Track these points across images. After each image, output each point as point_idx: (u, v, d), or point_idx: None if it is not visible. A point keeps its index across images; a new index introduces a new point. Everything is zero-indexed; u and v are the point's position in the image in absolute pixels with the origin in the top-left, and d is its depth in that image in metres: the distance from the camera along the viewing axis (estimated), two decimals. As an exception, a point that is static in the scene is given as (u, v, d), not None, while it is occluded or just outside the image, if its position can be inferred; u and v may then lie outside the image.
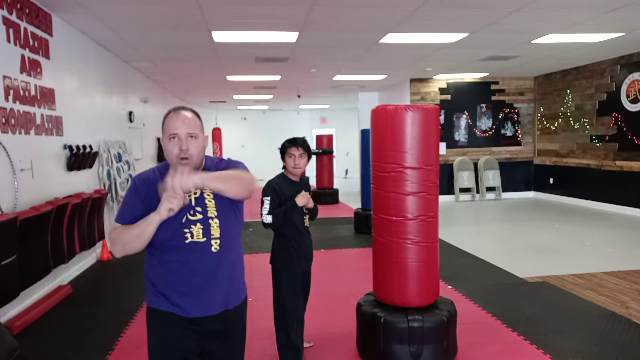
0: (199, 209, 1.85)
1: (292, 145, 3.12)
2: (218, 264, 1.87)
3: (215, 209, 1.86)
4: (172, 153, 1.80)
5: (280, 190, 3.08)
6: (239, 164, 1.96)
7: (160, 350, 1.86)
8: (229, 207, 1.90)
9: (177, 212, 1.76)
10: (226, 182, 1.77)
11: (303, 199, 3.08)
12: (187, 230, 1.82)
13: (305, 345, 3.54)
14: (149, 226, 1.74)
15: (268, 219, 3.00)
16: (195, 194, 1.85)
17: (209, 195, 1.87)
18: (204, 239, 1.83)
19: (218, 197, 1.85)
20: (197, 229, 1.83)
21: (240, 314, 1.99)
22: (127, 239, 1.78)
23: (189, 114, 1.85)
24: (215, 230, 1.86)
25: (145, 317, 1.95)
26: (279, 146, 3.25)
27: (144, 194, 1.84)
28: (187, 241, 1.82)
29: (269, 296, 3.28)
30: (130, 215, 1.83)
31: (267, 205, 3.02)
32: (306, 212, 3.22)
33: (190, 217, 1.83)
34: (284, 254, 3.13)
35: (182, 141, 1.79)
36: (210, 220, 1.85)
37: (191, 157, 1.79)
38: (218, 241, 1.86)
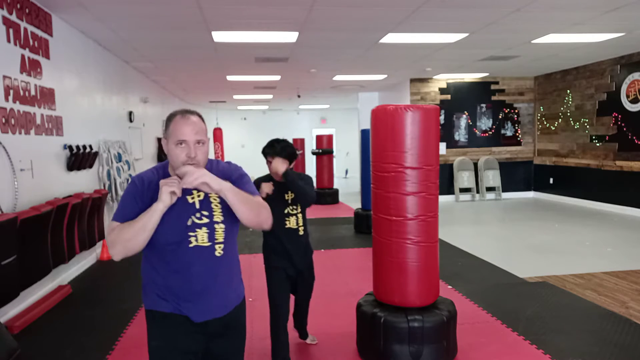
0: (205, 212, 1.81)
1: (270, 153, 3.05)
2: (219, 268, 1.85)
3: (221, 213, 1.84)
4: (178, 158, 1.76)
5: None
6: (252, 186, 1.92)
7: (165, 353, 1.84)
8: (233, 212, 1.85)
9: (182, 215, 1.76)
10: (246, 205, 1.77)
11: (267, 188, 3.01)
12: (192, 234, 1.79)
13: (309, 341, 3.61)
14: (152, 216, 1.68)
15: None
16: (199, 196, 1.82)
17: (215, 199, 1.84)
18: (209, 244, 1.81)
19: (224, 202, 1.79)
20: (202, 233, 1.80)
21: (241, 313, 1.99)
22: (129, 235, 1.69)
23: (196, 119, 1.81)
24: (220, 235, 1.83)
25: (144, 319, 1.93)
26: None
27: (150, 193, 1.79)
28: (190, 245, 1.79)
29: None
30: (132, 213, 1.76)
31: None
32: (291, 213, 3.13)
33: (196, 221, 1.80)
34: (265, 253, 3.22)
35: (191, 149, 1.76)
36: (216, 225, 1.82)
37: (198, 163, 1.77)
38: (222, 246, 1.84)
